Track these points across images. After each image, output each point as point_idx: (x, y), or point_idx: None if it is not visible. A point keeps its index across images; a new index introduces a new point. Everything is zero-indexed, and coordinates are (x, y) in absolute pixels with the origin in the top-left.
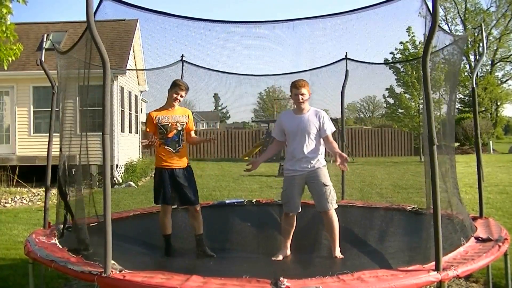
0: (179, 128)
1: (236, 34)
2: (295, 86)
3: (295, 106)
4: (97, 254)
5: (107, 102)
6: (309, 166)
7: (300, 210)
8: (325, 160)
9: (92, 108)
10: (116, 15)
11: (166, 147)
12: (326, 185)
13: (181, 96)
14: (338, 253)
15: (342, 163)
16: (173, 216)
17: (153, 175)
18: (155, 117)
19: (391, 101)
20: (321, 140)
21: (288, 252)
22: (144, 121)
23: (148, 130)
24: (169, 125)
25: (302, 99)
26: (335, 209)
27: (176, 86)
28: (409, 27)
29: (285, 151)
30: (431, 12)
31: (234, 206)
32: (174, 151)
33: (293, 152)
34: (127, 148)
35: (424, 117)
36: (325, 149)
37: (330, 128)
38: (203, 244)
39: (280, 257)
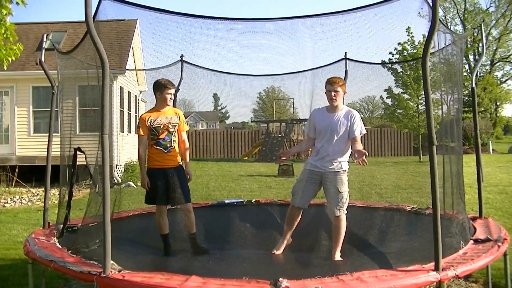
0: (171, 130)
1: (236, 31)
2: (329, 83)
3: (328, 102)
4: (97, 254)
5: (106, 102)
6: (329, 167)
7: (306, 207)
8: (348, 163)
9: (93, 108)
10: (116, 15)
11: (157, 147)
12: (340, 192)
13: (173, 95)
14: (338, 257)
15: (359, 158)
16: (173, 217)
17: None
18: (147, 119)
19: (389, 102)
20: (349, 141)
21: (290, 240)
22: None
23: (142, 133)
24: (161, 126)
25: (335, 96)
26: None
27: (164, 87)
28: (408, 27)
29: (286, 149)
30: (431, 11)
31: (234, 206)
32: (165, 151)
33: (319, 150)
34: (127, 148)
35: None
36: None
37: (359, 130)
38: (197, 243)
39: (281, 249)
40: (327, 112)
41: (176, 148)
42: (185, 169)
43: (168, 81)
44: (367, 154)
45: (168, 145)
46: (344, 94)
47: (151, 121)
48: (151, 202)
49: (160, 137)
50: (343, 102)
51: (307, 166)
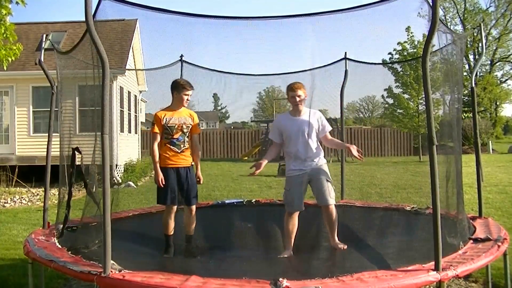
0: (185, 130)
1: (236, 30)
2: (291, 89)
3: (292, 108)
4: (97, 254)
5: (106, 102)
6: (311, 165)
7: (303, 209)
8: (325, 159)
9: (92, 108)
10: (116, 14)
11: (170, 146)
12: (328, 181)
13: (190, 96)
14: (337, 240)
15: (355, 151)
16: (175, 217)
17: (152, 175)
18: (163, 117)
19: (390, 101)
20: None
21: (292, 251)
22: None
23: (156, 130)
24: (176, 126)
25: (299, 100)
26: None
27: (183, 88)
28: (408, 26)
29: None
30: (431, 10)
31: (234, 206)
32: (179, 151)
33: (297, 153)
34: (127, 148)
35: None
36: (324, 147)
37: (328, 127)
38: (191, 246)
39: (286, 256)
40: (293, 116)
41: (189, 149)
42: (196, 172)
43: (187, 82)
44: (360, 149)
45: (182, 146)
46: (305, 97)
47: (166, 119)
48: (164, 201)
49: (174, 136)
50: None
51: (290, 173)
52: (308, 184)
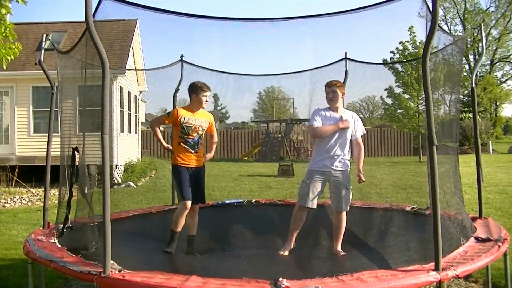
0: (200, 132)
1: (236, 31)
2: (327, 85)
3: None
4: (97, 254)
5: (106, 102)
6: (338, 166)
7: (315, 207)
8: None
9: (92, 108)
10: (116, 14)
11: (185, 146)
12: (347, 189)
13: (208, 98)
14: (339, 248)
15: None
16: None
17: (152, 175)
18: (181, 116)
19: (389, 101)
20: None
21: (293, 245)
22: (150, 121)
23: (167, 121)
24: (192, 127)
25: (333, 96)
26: None
27: (201, 90)
28: (411, 26)
29: (285, 149)
30: (431, 12)
31: (234, 206)
32: (193, 152)
33: (328, 149)
34: (127, 148)
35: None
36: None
37: (361, 131)
38: (193, 246)
39: (287, 252)
40: (333, 112)
41: (203, 149)
42: (206, 155)
43: (204, 84)
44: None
45: (196, 147)
46: (342, 95)
47: (184, 118)
48: (187, 197)
49: (190, 137)
50: (343, 103)
51: (314, 167)
52: (324, 186)
